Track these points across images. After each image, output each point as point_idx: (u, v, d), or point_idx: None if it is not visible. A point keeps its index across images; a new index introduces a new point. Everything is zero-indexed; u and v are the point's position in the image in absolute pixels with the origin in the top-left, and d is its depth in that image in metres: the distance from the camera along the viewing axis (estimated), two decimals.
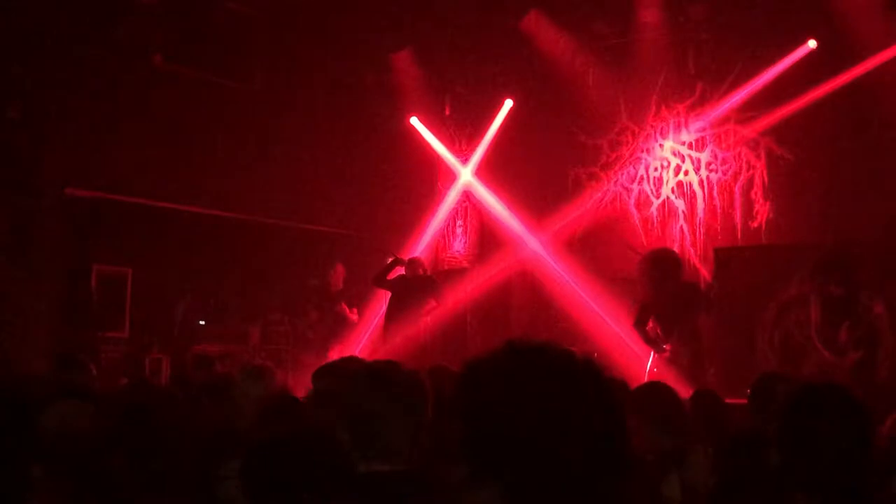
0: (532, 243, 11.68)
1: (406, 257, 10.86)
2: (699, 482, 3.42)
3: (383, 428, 2.39)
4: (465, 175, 12.51)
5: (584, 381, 1.47)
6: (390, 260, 10.71)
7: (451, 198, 12.74)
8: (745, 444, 3.18)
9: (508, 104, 12.03)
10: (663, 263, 8.16)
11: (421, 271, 10.57)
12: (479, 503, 1.41)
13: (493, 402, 1.45)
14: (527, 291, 11.78)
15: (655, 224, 11.19)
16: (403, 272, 10.59)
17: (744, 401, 5.58)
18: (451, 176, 12.77)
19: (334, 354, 9.64)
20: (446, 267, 12.59)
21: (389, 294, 10.69)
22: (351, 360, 5.59)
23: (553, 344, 1.52)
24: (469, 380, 1.50)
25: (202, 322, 11.44)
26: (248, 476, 2.36)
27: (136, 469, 3.17)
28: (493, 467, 1.42)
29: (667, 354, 7.95)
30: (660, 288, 7.93)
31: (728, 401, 5.26)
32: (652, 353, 8.17)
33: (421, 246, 12.28)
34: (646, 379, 8.17)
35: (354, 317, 11.44)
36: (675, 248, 10.74)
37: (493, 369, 1.48)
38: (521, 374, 1.46)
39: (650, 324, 8.13)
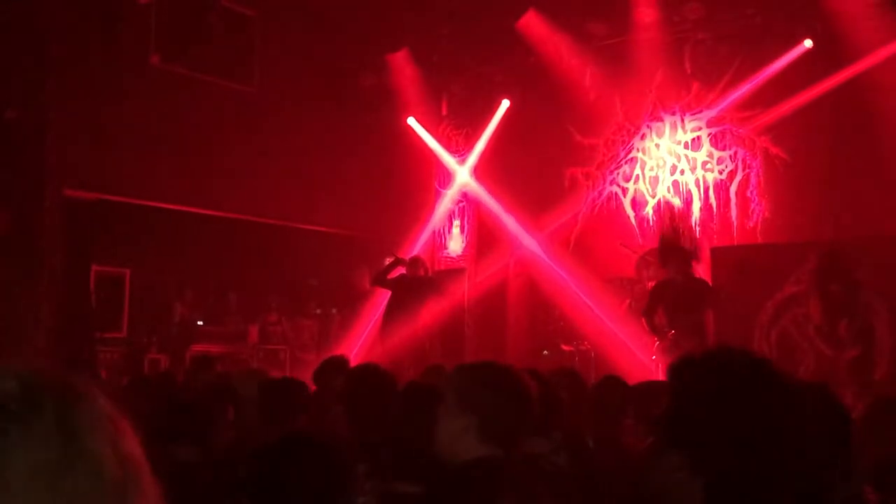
0: (529, 243, 11.72)
1: (408, 256, 10.85)
2: None
3: (505, 418, 2.61)
4: (463, 175, 12.55)
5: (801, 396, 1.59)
6: (390, 260, 10.70)
7: (449, 197, 12.78)
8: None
9: (505, 104, 12.07)
10: (677, 255, 8.27)
11: (422, 272, 10.56)
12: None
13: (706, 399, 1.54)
14: (524, 291, 11.82)
15: (651, 223, 11.23)
16: (404, 271, 10.58)
17: None
18: (449, 176, 12.81)
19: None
20: (443, 267, 12.62)
21: (389, 293, 10.68)
22: (341, 359, 5.64)
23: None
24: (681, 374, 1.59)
25: (200, 322, 11.46)
26: (252, 482, 2.38)
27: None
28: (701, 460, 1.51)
29: (668, 342, 8.01)
30: (670, 279, 8.06)
31: None
32: (656, 343, 8.25)
33: (418, 246, 12.30)
34: (652, 365, 8.29)
35: None
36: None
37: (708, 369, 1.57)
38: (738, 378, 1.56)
39: (659, 314, 8.22)
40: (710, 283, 9.09)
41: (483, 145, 12.33)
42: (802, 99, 9.85)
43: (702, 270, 10.34)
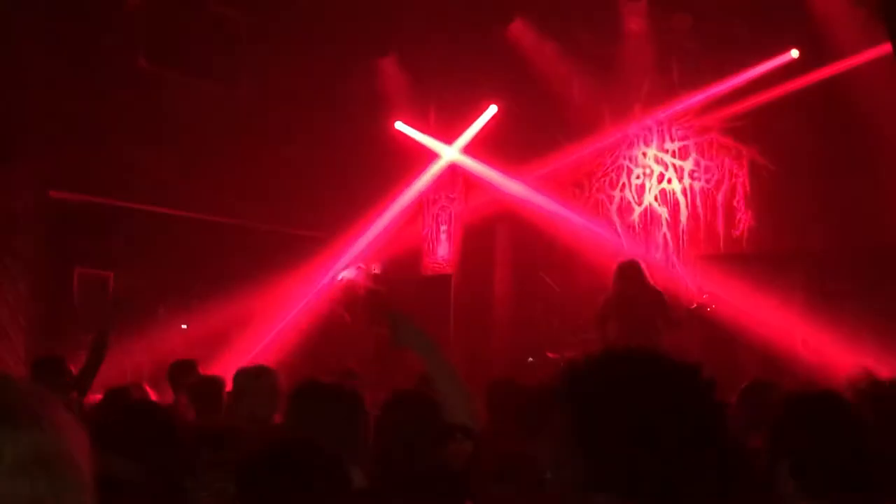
0: (516, 188, 11.71)
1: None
2: None
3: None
4: (448, 155, 12.44)
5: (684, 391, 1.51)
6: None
7: (430, 174, 12.67)
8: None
9: (493, 110, 12.06)
10: (627, 271, 8.28)
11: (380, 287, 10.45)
12: None
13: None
14: (510, 260, 11.81)
15: (638, 231, 11.23)
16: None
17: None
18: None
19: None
20: (430, 272, 12.59)
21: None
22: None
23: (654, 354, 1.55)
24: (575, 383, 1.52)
25: (184, 326, 11.37)
26: (243, 490, 2.33)
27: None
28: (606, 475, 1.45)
29: None
30: (620, 293, 8.11)
31: None
32: None
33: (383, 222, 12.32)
34: None
35: None
36: (658, 256, 10.81)
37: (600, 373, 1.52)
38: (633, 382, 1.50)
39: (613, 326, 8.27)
40: (667, 300, 8.99)
41: (468, 145, 12.30)
42: (789, 109, 9.89)
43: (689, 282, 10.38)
